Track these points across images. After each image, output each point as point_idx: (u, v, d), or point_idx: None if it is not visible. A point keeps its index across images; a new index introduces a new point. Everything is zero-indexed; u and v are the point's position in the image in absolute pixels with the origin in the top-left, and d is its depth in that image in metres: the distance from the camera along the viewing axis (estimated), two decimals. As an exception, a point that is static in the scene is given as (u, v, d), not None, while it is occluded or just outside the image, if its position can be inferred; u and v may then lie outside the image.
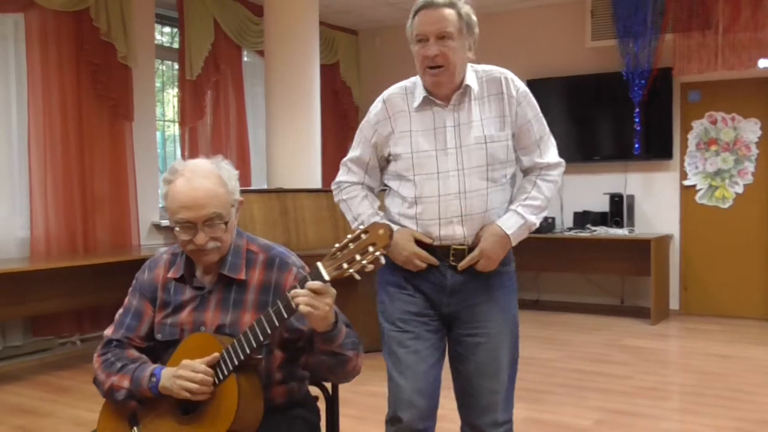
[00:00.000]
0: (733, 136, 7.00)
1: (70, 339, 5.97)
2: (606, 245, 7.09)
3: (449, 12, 2.21)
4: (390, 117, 2.36)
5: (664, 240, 7.07)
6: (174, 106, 7.25)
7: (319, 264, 1.81)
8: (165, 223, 6.64)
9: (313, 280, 1.81)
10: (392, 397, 2.35)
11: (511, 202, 2.35)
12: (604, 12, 7.18)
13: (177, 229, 1.97)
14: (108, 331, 2.13)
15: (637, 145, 7.10)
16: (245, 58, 7.52)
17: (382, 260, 1.79)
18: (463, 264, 2.26)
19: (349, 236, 1.79)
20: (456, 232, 2.27)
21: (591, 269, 7.38)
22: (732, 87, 6.96)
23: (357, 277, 1.78)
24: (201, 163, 2.03)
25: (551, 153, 2.39)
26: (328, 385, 2.25)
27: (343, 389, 2.23)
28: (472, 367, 2.32)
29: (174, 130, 7.30)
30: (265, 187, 6.43)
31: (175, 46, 7.11)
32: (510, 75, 2.34)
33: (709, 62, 6.79)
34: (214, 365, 1.88)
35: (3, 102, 5.52)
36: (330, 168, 8.19)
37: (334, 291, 1.84)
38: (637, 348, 5.84)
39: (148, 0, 6.51)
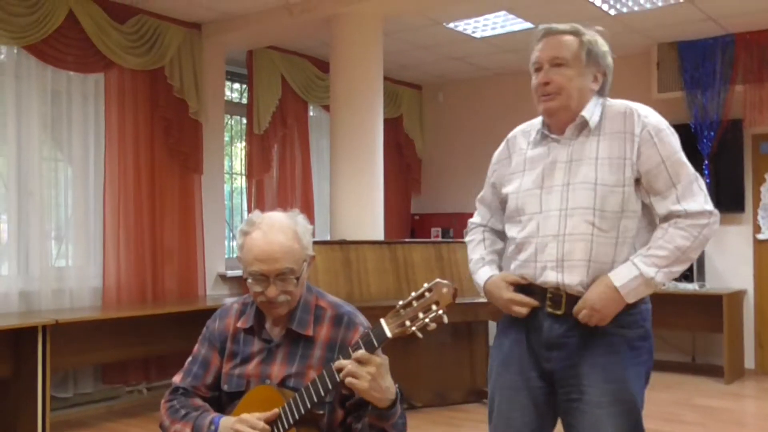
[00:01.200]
0: (809, 189, 6.79)
1: (137, 387, 6.04)
2: (676, 301, 6.89)
3: (569, 38, 2.11)
4: (510, 156, 2.28)
5: (738, 295, 6.84)
6: (241, 160, 7.40)
7: (382, 320, 1.81)
8: (231, 273, 6.73)
9: (375, 337, 1.80)
10: None
11: None
12: (670, 64, 7.11)
13: (249, 280, 2.00)
14: (176, 378, 2.16)
15: (707, 198, 6.93)
16: (311, 113, 7.66)
17: (445, 319, 1.75)
18: (574, 311, 2.03)
19: (414, 294, 1.78)
20: (549, 279, 2.08)
21: (661, 325, 7.07)
22: (806, 138, 6.78)
23: (419, 335, 1.76)
24: (278, 217, 2.04)
25: (695, 199, 2.01)
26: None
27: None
28: None
29: (241, 182, 7.44)
30: (328, 238, 6.49)
31: (244, 101, 7.30)
32: (640, 109, 2.11)
33: (782, 113, 6.65)
34: (275, 419, 1.89)
35: (82, 156, 5.70)
36: (392, 220, 8.24)
37: (379, 360, 1.80)
38: (711, 408, 5.62)
39: (220, 58, 6.72)
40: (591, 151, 2.08)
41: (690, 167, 2.08)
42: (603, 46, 2.15)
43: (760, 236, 6.97)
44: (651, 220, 2.12)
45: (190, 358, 2.18)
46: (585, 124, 2.11)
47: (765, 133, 6.91)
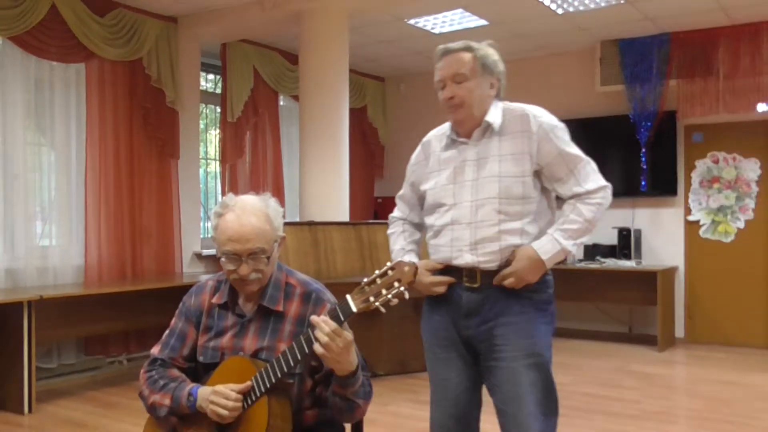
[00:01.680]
0: (734, 175, 6.93)
1: (117, 358, 6.00)
2: (615, 276, 7.02)
3: (464, 54, 2.20)
4: (426, 158, 2.38)
5: (670, 272, 6.98)
6: (216, 146, 7.34)
7: (348, 296, 1.82)
8: (206, 252, 6.70)
9: (342, 311, 1.81)
10: (430, 419, 2.34)
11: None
12: (612, 60, 7.19)
13: (223, 259, 1.99)
14: (154, 350, 2.15)
15: (643, 183, 7.06)
16: (281, 102, 7.61)
17: (406, 295, 1.78)
18: (496, 280, 2.16)
19: (377, 272, 1.79)
20: (466, 260, 2.20)
21: (601, 299, 7.30)
22: (733, 129, 6.91)
23: (382, 310, 1.79)
24: (251, 200, 2.03)
25: (591, 179, 2.22)
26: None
27: (369, 410, 2.23)
28: (496, 395, 2.20)
29: (215, 167, 7.38)
30: (297, 219, 6.47)
31: (218, 91, 7.23)
32: (534, 111, 2.23)
33: (712, 106, 6.76)
34: (254, 382, 1.90)
35: (64, 141, 5.62)
36: (358, 203, 8.24)
37: (348, 336, 1.82)
38: (645, 374, 5.75)
39: (195, 50, 6.64)
40: (494, 150, 2.21)
41: (581, 154, 2.24)
42: (494, 55, 2.25)
43: (691, 218, 7.11)
44: (548, 203, 2.27)
45: (167, 332, 2.17)
46: (489, 127, 2.22)
47: (696, 123, 7.03)
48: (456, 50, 2.21)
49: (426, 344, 2.36)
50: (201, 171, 7.00)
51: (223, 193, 6.99)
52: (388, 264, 1.80)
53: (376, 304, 1.78)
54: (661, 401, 4.89)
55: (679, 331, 7.16)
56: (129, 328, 5.80)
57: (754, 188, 6.86)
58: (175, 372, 2.09)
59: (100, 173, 5.76)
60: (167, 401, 1.99)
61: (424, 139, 2.43)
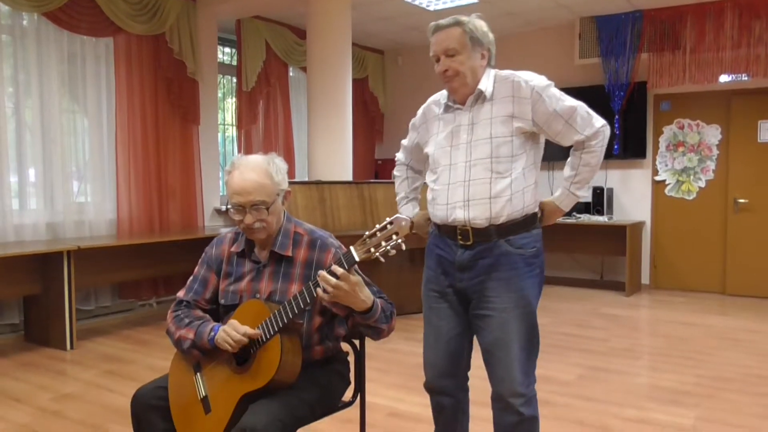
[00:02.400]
0: (698, 140, 6.90)
1: (148, 302, 6.05)
2: (588, 230, 7.04)
3: (454, 30, 2.14)
4: (426, 122, 2.36)
5: (638, 226, 7.00)
6: (232, 113, 7.28)
7: (351, 248, 1.83)
8: (225, 207, 6.70)
9: (346, 260, 1.83)
10: (423, 358, 2.36)
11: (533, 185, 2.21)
12: (589, 35, 7.09)
13: (231, 210, 2.03)
14: (180, 294, 2.17)
15: (616, 147, 7.02)
16: (291, 74, 7.52)
17: (404, 246, 1.78)
18: (544, 223, 2.30)
19: (377, 226, 1.80)
20: (458, 216, 2.16)
21: (576, 249, 7.33)
22: (697, 98, 6.85)
23: (382, 260, 1.80)
24: (253, 159, 2.06)
25: (588, 124, 2.16)
26: (357, 343, 2.26)
27: (369, 346, 2.25)
28: (485, 339, 2.18)
29: (232, 132, 7.33)
30: (306, 179, 6.45)
31: (234, 63, 7.14)
32: (524, 77, 2.17)
33: (678, 77, 6.69)
34: (264, 325, 1.92)
35: (96, 109, 5.57)
36: (360, 164, 8.21)
37: (353, 278, 1.85)
38: (614, 316, 5.81)
39: (213, 26, 6.53)
40: (486, 114, 2.17)
41: (574, 102, 2.18)
42: (482, 27, 2.19)
43: (658, 178, 7.10)
44: (535, 160, 2.22)
45: (191, 277, 2.19)
46: (481, 94, 2.18)
47: (664, 93, 6.96)
48: (446, 26, 2.16)
49: (423, 292, 2.36)
50: (219, 136, 6.95)
51: (240, 155, 6.96)
52: (387, 219, 1.81)
53: (377, 254, 1.79)
54: (628, 339, 4.95)
55: (645, 279, 7.21)
56: (157, 274, 5.82)
57: (715, 152, 6.82)
58: (199, 312, 2.12)
59: (129, 137, 5.72)
60: (191, 335, 2.02)
61: (424, 104, 2.40)
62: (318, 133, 5.90)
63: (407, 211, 2.51)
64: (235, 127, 7.13)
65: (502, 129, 2.14)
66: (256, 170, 2.02)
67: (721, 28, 6.43)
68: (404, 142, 2.55)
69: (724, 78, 6.55)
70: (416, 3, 6.57)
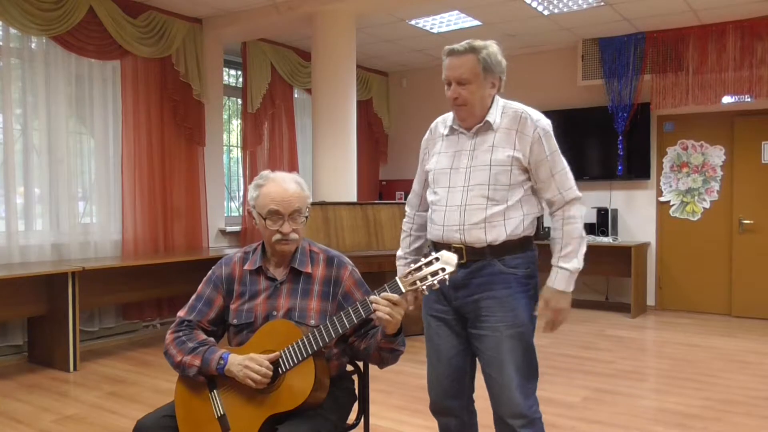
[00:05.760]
0: (702, 160, 6.90)
1: (152, 322, 6.05)
2: (593, 251, 6.95)
3: (468, 58, 2.13)
4: (434, 139, 2.37)
5: (643, 247, 6.98)
6: (238, 134, 7.32)
7: (397, 279, 1.86)
8: (229, 229, 6.71)
9: (391, 289, 1.86)
10: (427, 378, 2.37)
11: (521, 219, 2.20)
12: (592, 56, 7.14)
13: (267, 221, 2.03)
14: (181, 313, 2.13)
15: (620, 167, 7.04)
16: (296, 95, 7.57)
17: (447, 282, 1.82)
18: (546, 330, 2.24)
19: (423, 260, 1.84)
20: (455, 239, 2.17)
21: (581, 271, 7.28)
22: (700, 119, 6.87)
23: (426, 292, 1.83)
24: (285, 173, 2.12)
25: (568, 187, 2.20)
26: (360, 364, 2.25)
27: (372, 367, 2.25)
28: (482, 359, 2.20)
29: (237, 153, 7.37)
30: (310, 200, 6.46)
31: (239, 85, 7.20)
32: (531, 114, 2.20)
33: (681, 98, 6.72)
34: (296, 346, 1.90)
35: (102, 130, 5.62)
36: (364, 185, 8.24)
37: (405, 304, 1.88)
38: (619, 337, 5.77)
39: (218, 49, 6.60)
40: (489, 142, 2.18)
41: (563, 162, 2.21)
42: (497, 55, 2.19)
43: (662, 198, 7.10)
44: (533, 190, 2.24)
45: (194, 297, 2.15)
46: (489, 125, 2.20)
47: (668, 114, 6.99)
48: (461, 52, 2.15)
49: (423, 313, 2.37)
50: (224, 157, 6.99)
51: (245, 177, 7.00)
52: (433, 254, 1.84)
53: (423, 287, 1.82)
54: (634, 361, 4.91)
55: (650, 300, 7.17)
56: (161, 295, 5.83)
57: (719, 172, 6.83)
58: (201, 335, 2.08)
59: (135, 159, 5.76)
60: (197, 362, 1.98)
61: (432, 124, 2.41)
62: (322, 154, 5.92)
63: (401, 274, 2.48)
64: (240, 149, 7.17)
65: (502, 157, 2.15)
66: (295, 180, 2.08)
67: (723, 50, 6.47)
68: (415, 185, 2.49)
69: (727, 99, 6.57)
70: (421, 26, 6.65)
